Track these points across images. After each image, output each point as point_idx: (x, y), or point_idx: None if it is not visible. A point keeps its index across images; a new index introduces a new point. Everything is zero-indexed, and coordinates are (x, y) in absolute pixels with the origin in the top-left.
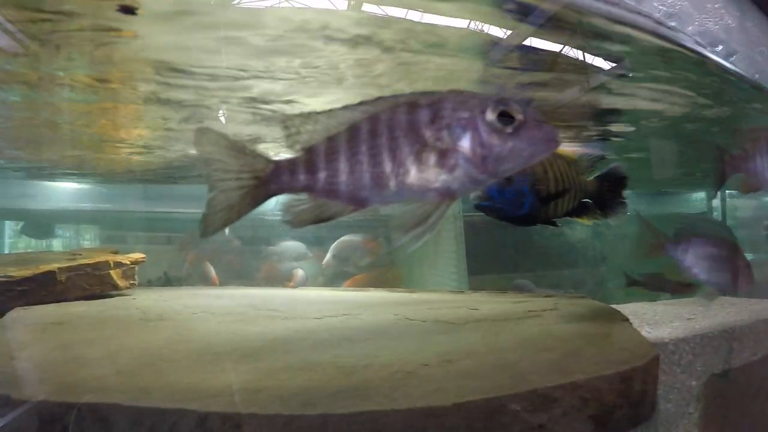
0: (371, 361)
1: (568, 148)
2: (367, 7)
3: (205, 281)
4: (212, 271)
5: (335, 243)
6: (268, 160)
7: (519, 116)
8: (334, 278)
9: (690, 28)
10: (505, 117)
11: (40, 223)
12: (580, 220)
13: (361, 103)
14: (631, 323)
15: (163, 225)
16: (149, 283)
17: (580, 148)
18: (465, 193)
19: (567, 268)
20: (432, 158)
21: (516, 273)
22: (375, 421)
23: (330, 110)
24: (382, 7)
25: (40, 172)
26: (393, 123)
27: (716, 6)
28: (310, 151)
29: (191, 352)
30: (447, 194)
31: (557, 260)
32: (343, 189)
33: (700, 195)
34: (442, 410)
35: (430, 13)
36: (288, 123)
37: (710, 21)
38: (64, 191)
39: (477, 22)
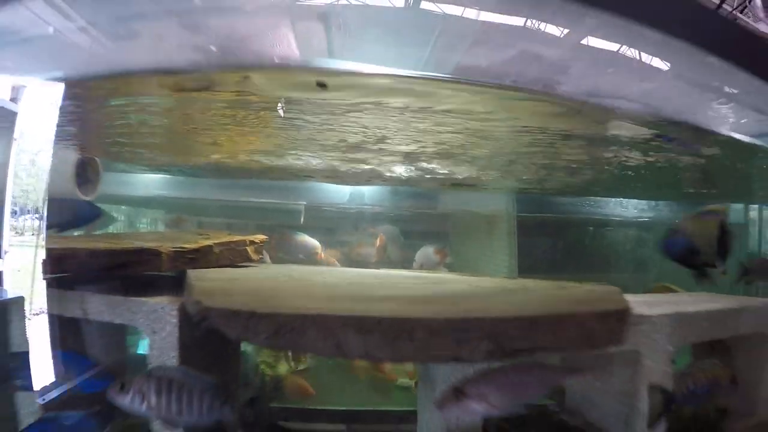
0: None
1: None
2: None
3: None
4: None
5: (418, 252)
6: None
7: None
8: None
9: None
10: None
11: None
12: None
13: None
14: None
15: (231, 212)
16: None
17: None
18: None
19: (608, 273)
20: None
21: (562, 275)
22: None
23: None
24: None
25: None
26: None
27: None
28: None
29: (355, 294)
30: None
31: (600, 264)
32: None
33: None
34: None
35: None
36: None
37: None
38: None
39: None
